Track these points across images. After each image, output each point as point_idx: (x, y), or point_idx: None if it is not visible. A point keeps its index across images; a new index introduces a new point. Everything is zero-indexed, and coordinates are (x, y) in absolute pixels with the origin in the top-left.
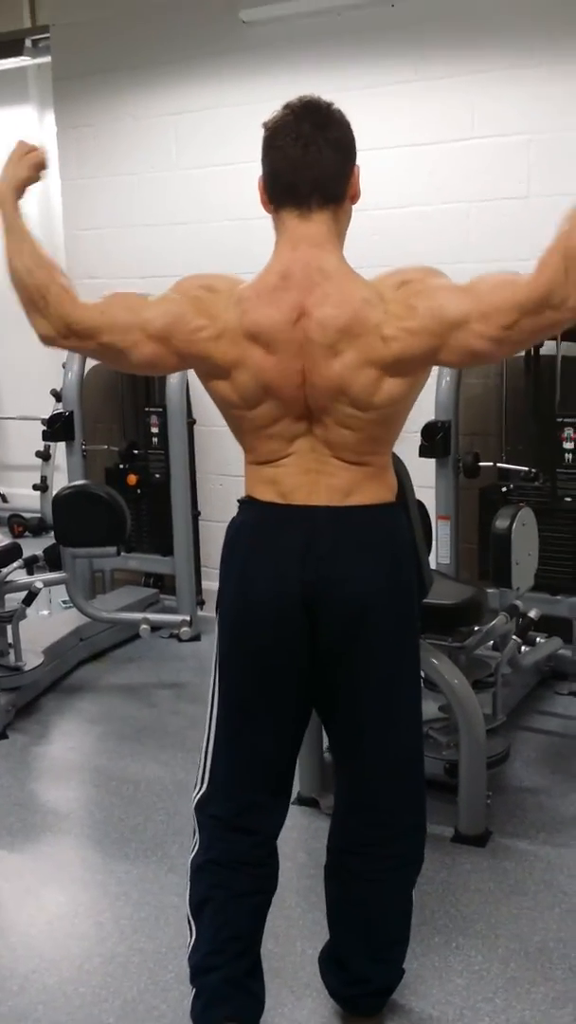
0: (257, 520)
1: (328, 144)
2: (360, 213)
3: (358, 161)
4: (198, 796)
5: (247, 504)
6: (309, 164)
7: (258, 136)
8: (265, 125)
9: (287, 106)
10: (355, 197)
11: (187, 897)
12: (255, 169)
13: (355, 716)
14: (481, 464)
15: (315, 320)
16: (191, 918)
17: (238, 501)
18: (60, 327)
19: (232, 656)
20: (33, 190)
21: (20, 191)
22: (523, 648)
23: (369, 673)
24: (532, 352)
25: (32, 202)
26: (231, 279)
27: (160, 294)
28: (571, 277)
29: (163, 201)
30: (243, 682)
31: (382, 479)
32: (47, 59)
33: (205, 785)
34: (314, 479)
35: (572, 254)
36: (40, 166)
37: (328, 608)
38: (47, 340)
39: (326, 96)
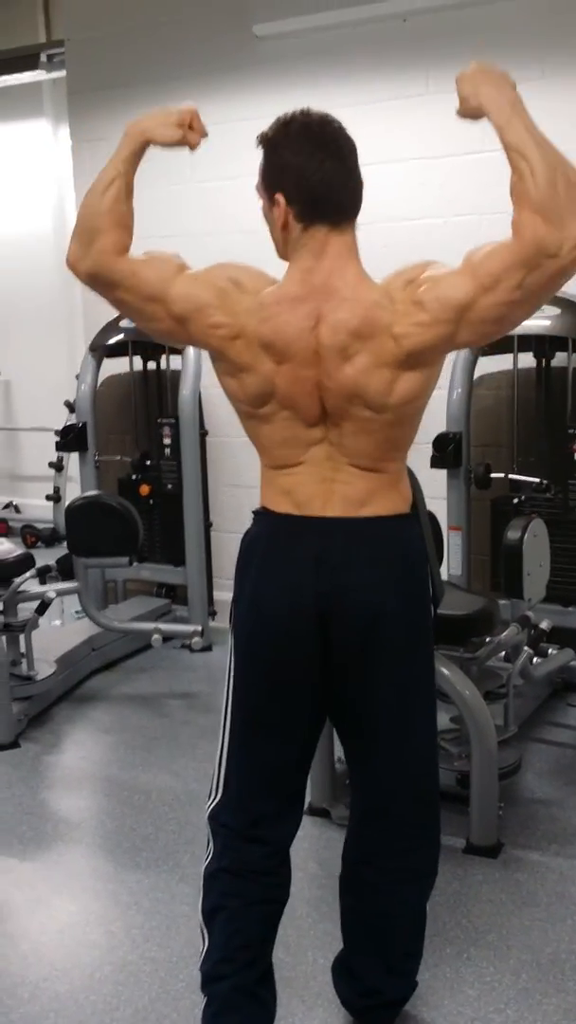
0: (272, 532)
1: (348, 157)
2: (371, 226)
3: (365, 173)
4: (212, 806)
5: (262, 515)
6: (343, 180)
7: None
8: (273, 142)
9: (292, 121)
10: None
11: (199, 905)
12: None
13: (369, 727)
14: (493, 475)
15: (328, 324)
16: (203, 926)
17: (253, 512)
18: (90, 267)
19: (246, 667)
20: (49, 203)
21: (148, 141)
22: (535, 660)
23: (383, 683)
24: (543, 363)
25: (48, 216)
26: (261, 277)
27: (193, 272)
28: (553, 219)
29: (176, 213)
30: (257, 693)
31: (397, 488)
32: (62, 73)
33: (219, 795)
34: (329, 488)
35: (542, 205)
36: (182, 131)
37: (342, 619)
38: (72, 267)
39: (339, 110)
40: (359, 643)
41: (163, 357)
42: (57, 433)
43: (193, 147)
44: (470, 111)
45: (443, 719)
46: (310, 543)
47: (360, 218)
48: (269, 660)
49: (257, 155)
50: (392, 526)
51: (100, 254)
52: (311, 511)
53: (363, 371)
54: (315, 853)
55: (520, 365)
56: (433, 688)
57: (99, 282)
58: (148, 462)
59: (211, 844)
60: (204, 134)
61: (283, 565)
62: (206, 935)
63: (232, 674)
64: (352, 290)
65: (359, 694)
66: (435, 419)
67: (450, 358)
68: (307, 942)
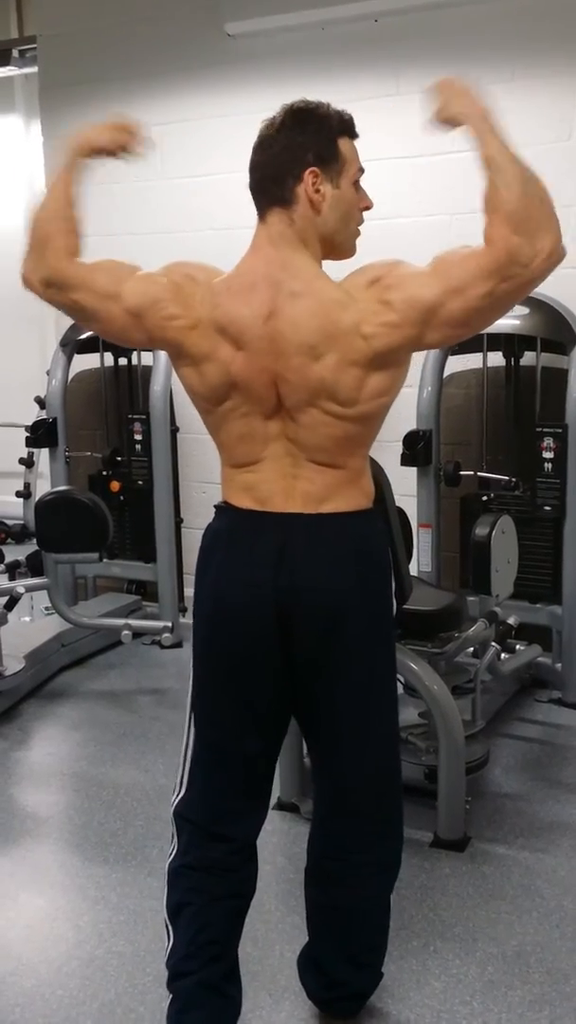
0: (232, 527)
1: (280, 146)
2: None
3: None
4: (176, 801)
5: (223, 510)
6: (260, 165)
7: (242, 146)
8: None
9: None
10: (313, 205)
11: (164, 901)
12: (239, 179)
13: (330, 723)
14: (462, 473)
15: (287, 320)
16: (168, 922)
17: (215, 507)
18: (44, 274)
19: (206, 662)
20: (20, 199)
21: (90, 151)
22: (502, 655)
23: (343, 680)
24: (512, 362)
25: (18, 211)
26: (211, 270)
27: (147, 271)
28: (523, 231)
29: (148, 210)
30: (217, 688)
31: (358, 484)
32: (34, 69)
33: (183, 790)
34: (290, 484)
35: (513, 216)
36: (119, 139)
37: (301, 615)
38: (26, 282)
39: None
40: (319, 641)
41: (134, 353)
42: (27, 429)
43: (137, 155)
44: (445, 119)
45: (411, 714)
46: (270, 539)
47: None
48: (229, 654)
49: (230, 151)
50: (353, 522)
51: (54, 259)
52: (272, 507)
53: (332, 370)
54: (283, 847)
55: (489, 364)
56: (394, 684)
57: (55, 285)
58: (119, 458)
59: (175, 840)
60: (124, 142)
61: (243, 561)
62: (171, 931)
63: (192, 668)
64: (306, 285)
65: (319, 690)
66: (405, 417)
67: (420, 357)
68: (275, 936)
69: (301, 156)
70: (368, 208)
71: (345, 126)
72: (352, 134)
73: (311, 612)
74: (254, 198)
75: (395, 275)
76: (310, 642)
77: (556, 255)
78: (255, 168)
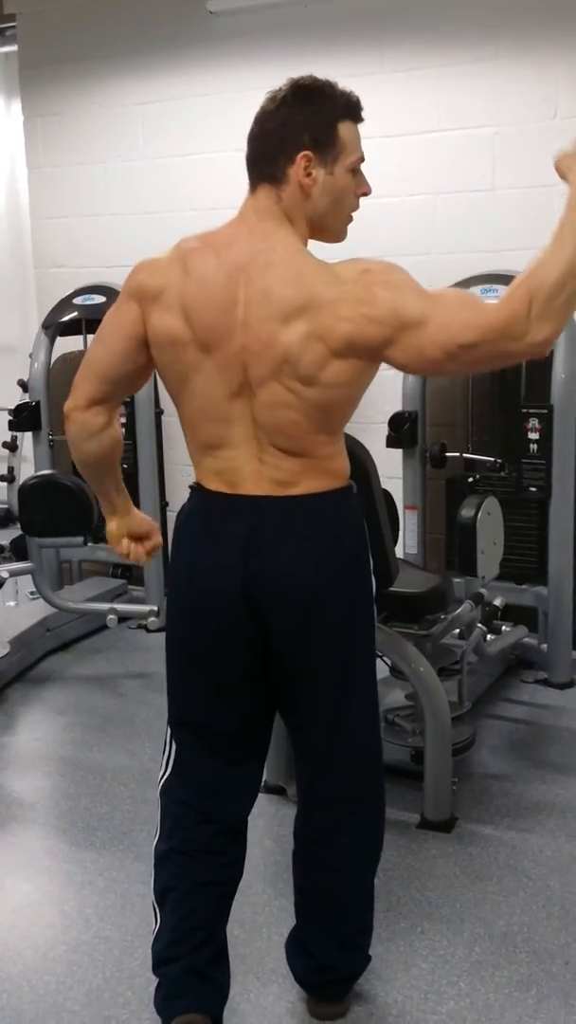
0: (204, 509)
1: (277, 122)
2: None
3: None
4: (162, 780)
5: (196, 491)
6: (256, 138)
7: (224, 125)
8: None
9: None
10: (302, 188)
11: (152, 885)
12: (222, 158)
13: (308, 705)
14: (448, 455)
15: (258, 286)
16: (155, 905)
17: (189, 487)
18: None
19: (179, 642)
20: (1, 179)
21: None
22: (488, 636)
23: (318, 662)
24: None
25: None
26: (168, 250)
27: (112, 325)
28: (533, 312)
29: (130, 190)
30: (188, 665)
31: (328, 468)
32: (13, 48)
33: (168, 769)
34: (258, 469)
35: (536, 294)
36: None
37: (272, 599)
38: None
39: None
40: (291, 623)
41: None
42: (10, 412)
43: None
44: (560, 173)
45: (398, 696)
46: (240, 522)
47: None
48: (200, 636)
49: (212, 130)
50: (323, 502)
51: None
52: (243, 490)
53: (299, 340)
54: (270, 830)
55: None
56: (373, 664)
57: (100, 402)
58: None
59: (160, 821)
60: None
61: (214, 544)
62: (158, 914)
63: (166, 646)
64: (282, 255)
65: (294, 672)
66: (391, 398)
67: None
68: (262, 919)
69: (296, 137)
70: (366, 194)
71: (349, 109)
72: (356, 118)
73: (282, 596)
74: (247, 169)
75: (389, 277)
76: (282, 625)
77: (543, 346)
78: (251, 140)
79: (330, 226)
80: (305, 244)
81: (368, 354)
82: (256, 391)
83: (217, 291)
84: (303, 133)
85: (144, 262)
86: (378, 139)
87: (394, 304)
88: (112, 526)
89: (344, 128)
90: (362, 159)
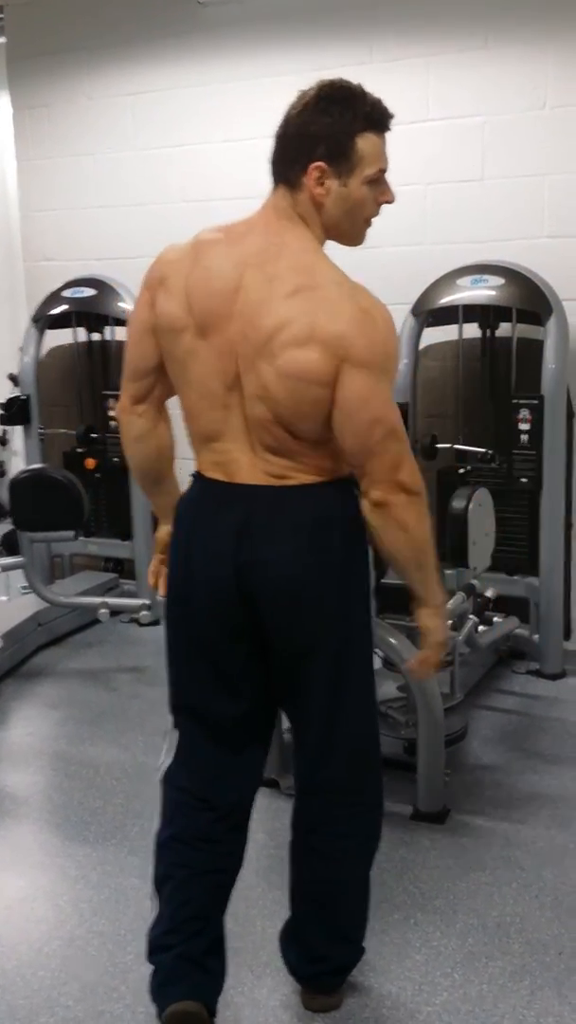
0: (201, 497)
1: (296, 128)
2: None
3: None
4: (163, 767)
5: (195, 479)
6: (278, 140)
7: (214, 117)
8: None
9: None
10: (315, 198)
11: (151, 871)
12: (212, 150)
13: (304, 697)
14: (439, 446)
15: (263, 274)
16: (154, 893)
17: (190, 475)
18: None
19: (176, 626)
20: None
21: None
22: (480, 627)
23: (312, 653)
24: (488, 334)
25: None
26: (182, 245)
27: (137, 322)
28: (408, 500)
29: (120, 182)
30: (189, 652)
31: (319, 463)
32: (1, 40)
33: (168, 757)
34: (252, 460)
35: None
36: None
37: (263, 590)
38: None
39: (282, 77)
40: (282, 613)
41: (107, 328)
42: (0, 406)
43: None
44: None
45: (390, 687)
46: (234, 512)
47: None
48: (194, 622)
49: (202, 121)
50: (318, 494)
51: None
52: (238, 479)
53: (282, 319)
54: (264, 823)
55: (465, 335)
56: (370, 655)
57: (142, 400)
58: (93, 435)
59: (161, 809)
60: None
61: (209, 532)
62: (157, 902)
63: (165, 631)
64: (293, 252)
65: (289, 663)
66: None
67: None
68: (256, 912)
69: (311, 147)
70: (388, 202)
71: (372, 121)
72: (380, 129)
73: (272, 586)
74: (270, 165)
75: (364, 340)
76: (273, 615)
77: (378, 497)
78: (276, 140)
79: (345, 232)
80: (321, 244)
81: (320, 384)
82: (243, 381)
83: (220, 278)
84: (319, 144)
85: (165, 248)
86: None
87: (338, 349)
88: (162, 532)
89: (363, 140)
90: (383, 170)
